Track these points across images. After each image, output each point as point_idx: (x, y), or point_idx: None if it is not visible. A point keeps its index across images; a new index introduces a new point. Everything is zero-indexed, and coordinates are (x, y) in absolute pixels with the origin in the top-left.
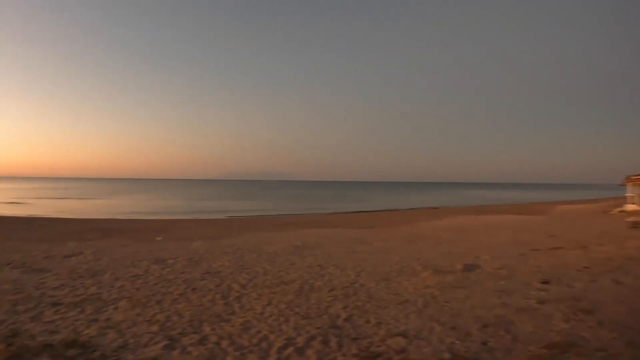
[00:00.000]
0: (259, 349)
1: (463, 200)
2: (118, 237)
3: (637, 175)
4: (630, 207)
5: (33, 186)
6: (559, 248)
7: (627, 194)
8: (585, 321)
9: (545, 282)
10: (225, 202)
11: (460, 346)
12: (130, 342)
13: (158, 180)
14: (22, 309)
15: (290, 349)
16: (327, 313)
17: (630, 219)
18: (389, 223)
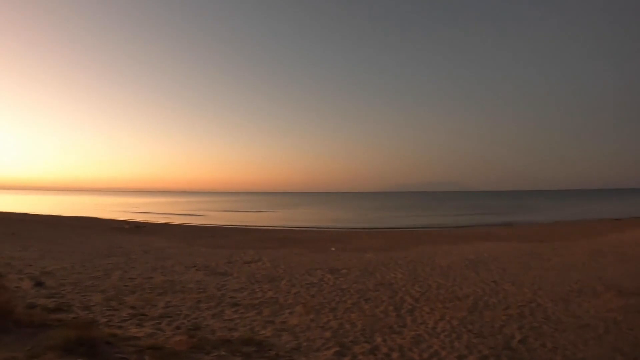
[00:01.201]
0: None
1: None
2: (293, 246)
3: None
4: None
5: (207, 200)
6: None
7: None
8: None
9: None
10: (396, 214)
11: None
12: (303, 345)
13: (328, 193)
14: (204, 306)
15: None
16: (501, 333)
17: None
18: (567, 236)
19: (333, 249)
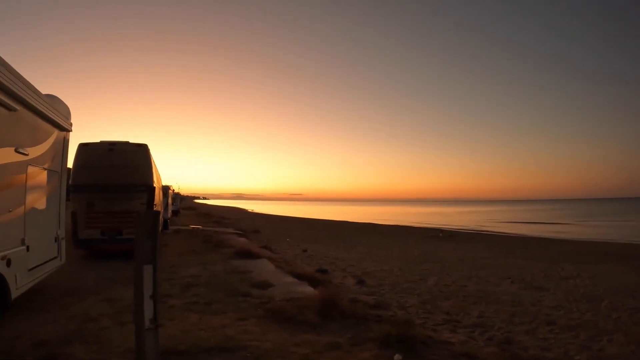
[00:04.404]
0: None
1: None
2: (617, 263)
3: None
4: None
5: (499, 209)
6: None
7: None
8: None
9: None
10: None
11: None
12: None
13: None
14: (518, 320)
15: None
16: None
17: None
18: None
19: None
